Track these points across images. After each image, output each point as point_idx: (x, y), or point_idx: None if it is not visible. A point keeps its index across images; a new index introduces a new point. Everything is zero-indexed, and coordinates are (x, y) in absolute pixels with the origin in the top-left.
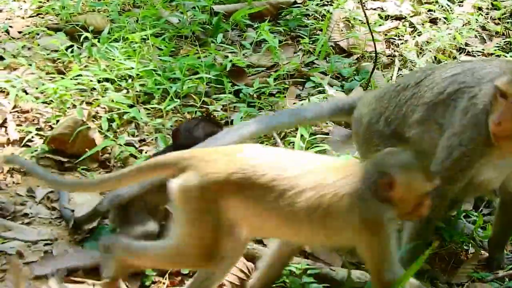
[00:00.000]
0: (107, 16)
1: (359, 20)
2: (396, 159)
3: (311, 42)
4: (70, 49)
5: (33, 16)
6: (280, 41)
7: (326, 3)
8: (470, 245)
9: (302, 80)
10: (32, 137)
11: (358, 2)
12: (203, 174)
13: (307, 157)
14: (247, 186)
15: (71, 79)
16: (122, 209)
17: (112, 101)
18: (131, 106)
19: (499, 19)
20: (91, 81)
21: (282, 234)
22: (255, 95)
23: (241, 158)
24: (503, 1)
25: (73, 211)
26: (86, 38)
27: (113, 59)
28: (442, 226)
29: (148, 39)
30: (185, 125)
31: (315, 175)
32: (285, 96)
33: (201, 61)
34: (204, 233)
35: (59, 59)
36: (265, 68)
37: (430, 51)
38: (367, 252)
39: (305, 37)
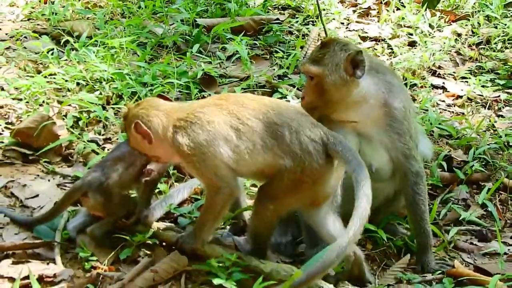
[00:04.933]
0: (93, 24)
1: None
2: None
3: (286, 57)
4: (51, 52)
5: (24, 21)
6: (257, 55)
7: (310, 22)
8: (403, 249)
9: (271, 91)
10: (2, 130)
11: (341, 23)
12: None
13: None
14: None
15: (45, 77)
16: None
17: (81, 100)
18: (103, 107)
19: (475, 45)
20: (66, 81)
21: None
22: None
23: None
24: (482, 28)
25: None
26: (68, 42)
27: (89, 62)
28: (375, 230)
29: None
30: None
31: None
32: None
33: (174, 68)
34: None
35: (41, 60)
36: (238, 79)
37: (399, 70)
38: None
39: (280, 51)
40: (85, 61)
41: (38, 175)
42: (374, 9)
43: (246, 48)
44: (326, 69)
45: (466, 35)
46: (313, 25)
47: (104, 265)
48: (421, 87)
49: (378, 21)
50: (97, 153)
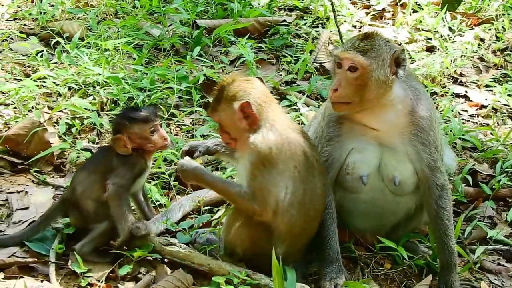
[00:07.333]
0: (85, 24)
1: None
2: None
3: (295, 61)
4: (40, 54)
5: (9, 20)
6: (263, 59)
7: (320, 24)
8: (424, 269)
9: (279, 98)
10: None
11: (353, 26)
12: None
13: None
14: None
15: (34, 80)
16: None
17: (74, 105)
18: (97, 113)
19: (499, 50)
20: (57, 85)
21: None
22: None
23: None
24: (507, 33)
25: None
26: (59, 43)
27: (82, 65)
28: (394, 247)
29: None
30: None
31: None
32: None
33: (174, 73)
34: None
35: (29, 63)
36: None
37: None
38: None
39: (287, 56)
40: (77, 64)
41: (28, 186)
42: (389, 12)
43: (251, 52)
44: (375, 63)
45: (489, 40)
46: (323, 27)
47: (102, 282)
48: (442, 95)
49: (394, 24)
50: None
